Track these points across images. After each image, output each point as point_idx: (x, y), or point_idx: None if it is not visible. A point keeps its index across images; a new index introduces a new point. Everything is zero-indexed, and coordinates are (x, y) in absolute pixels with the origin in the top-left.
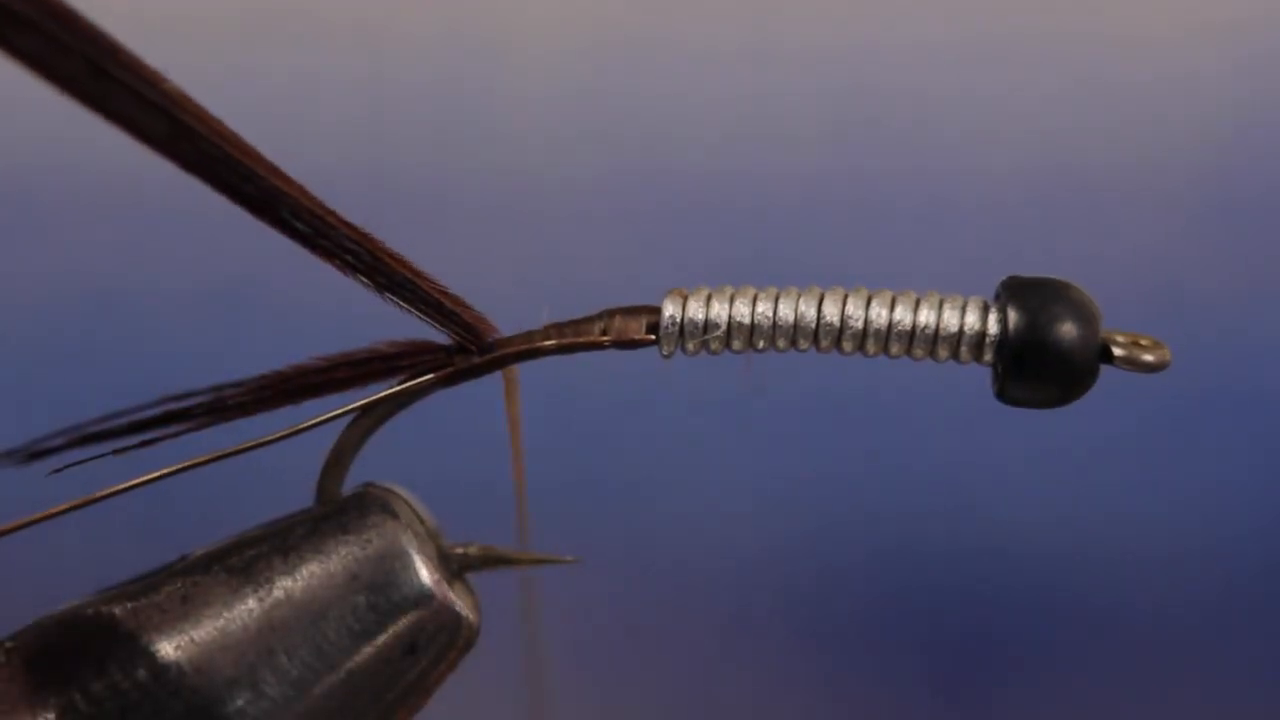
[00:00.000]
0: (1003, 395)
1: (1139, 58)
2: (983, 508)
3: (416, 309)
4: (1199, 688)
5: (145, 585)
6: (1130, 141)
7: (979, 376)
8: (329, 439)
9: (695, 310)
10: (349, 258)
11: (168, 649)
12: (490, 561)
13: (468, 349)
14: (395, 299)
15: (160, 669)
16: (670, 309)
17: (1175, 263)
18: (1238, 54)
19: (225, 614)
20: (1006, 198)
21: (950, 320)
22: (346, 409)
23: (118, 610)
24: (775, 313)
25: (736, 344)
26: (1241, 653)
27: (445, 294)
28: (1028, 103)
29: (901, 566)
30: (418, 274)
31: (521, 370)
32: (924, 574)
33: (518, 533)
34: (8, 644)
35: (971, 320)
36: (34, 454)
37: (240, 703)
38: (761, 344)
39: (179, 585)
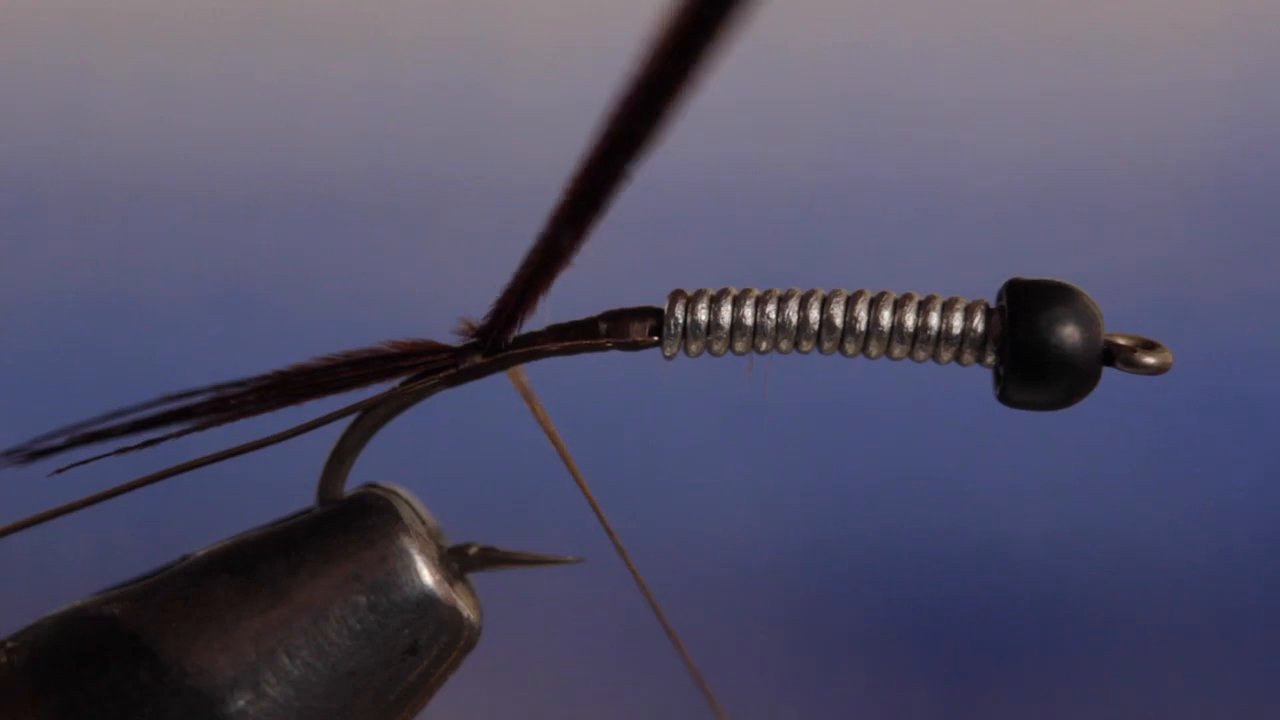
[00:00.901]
0: (1004, 397)
1: (1141, 61)
2: (985, 514)
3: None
4: (1199, 694)
5: (147, 585)
6: (1133, 145)
7: (982, 385)
8: (331, 439)
9: (698, 312)
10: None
11: (169, 649)
12: (491, 562)
13: (471, 350)
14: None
15: (161, 669)
16: (673, 311)
17: (1178, 268)
18: (1239, 57)
19: (227, 614)
20: (1010, 201)
21: (952, 322)
22: (349, 408)
23: (119, 610)
24: (778, 314)
25: (739, 345)
26: (1241, 659)
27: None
28: (1031, 106)
29: (903, 570)
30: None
31: (523, 369)
32: (925, 577)
33: (595, 526)
34: (9, 644)
35: (974, 322)
36: (35, 454)
37: (241, 703)
38: (764, 345)
39: (181, 585)
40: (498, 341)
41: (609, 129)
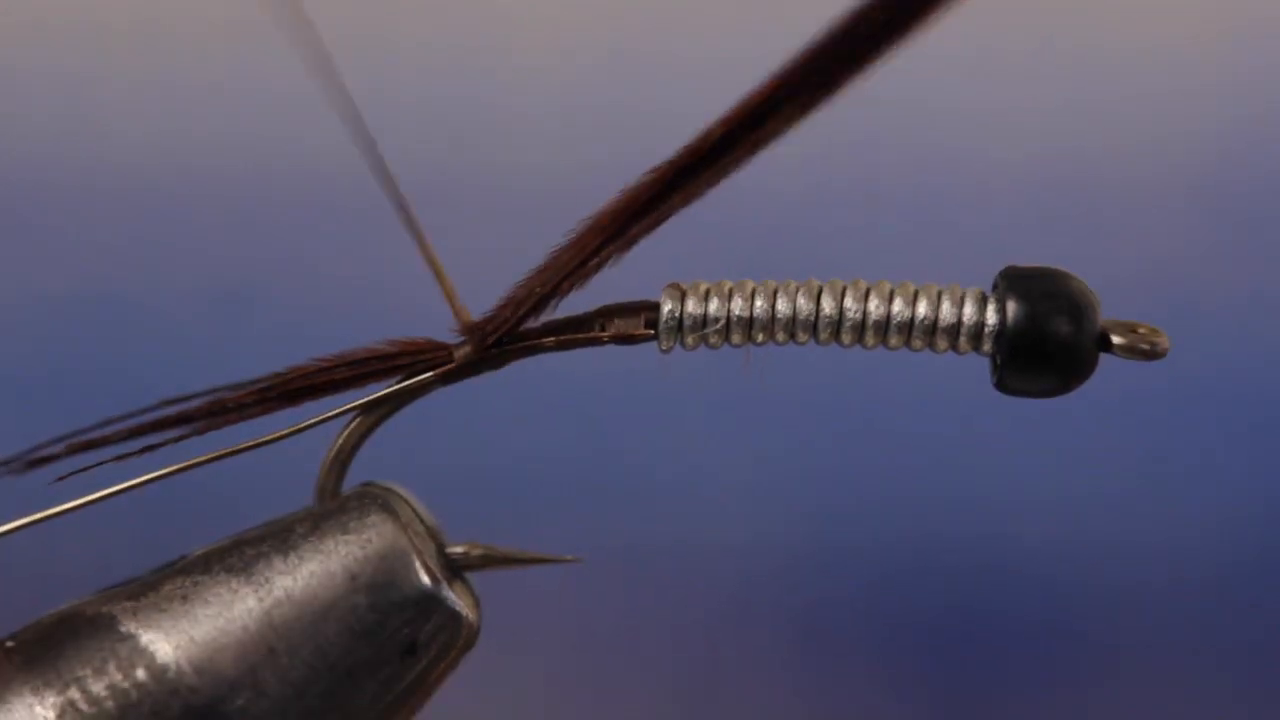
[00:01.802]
0: (1002, 385)
1: (1141, 63)
2: (987, 517)
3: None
4: (1202, 700)
5: (145, 585)
6: (1131, 140)
7: (985, 388)
8: (328, 439)
9: (694, 305)
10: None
11: (167, 649)
12: (490, 561)
13: (467, 346)
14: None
15: (160, 669)
16: (669, 304)
17: (1176, 262)
18: (1240, 61)
19: (225, 614)
20: (1006, 193)
21: (948, 311)
22: (346, 408)
23: (117, 610)
24: (773, 307)
25: (735, 338)
26: (1245, 667)
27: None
28: (1027, 100)
29: (904, 574)
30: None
31: (520, 367)
32: (926, 581)
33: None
34: (8, 643)
35: (970, 311)
36: (33, 461)
37: (240, 703)
38: (760, 337)
39: (179, 585)
40: (495, 338)
41: (699, 143)
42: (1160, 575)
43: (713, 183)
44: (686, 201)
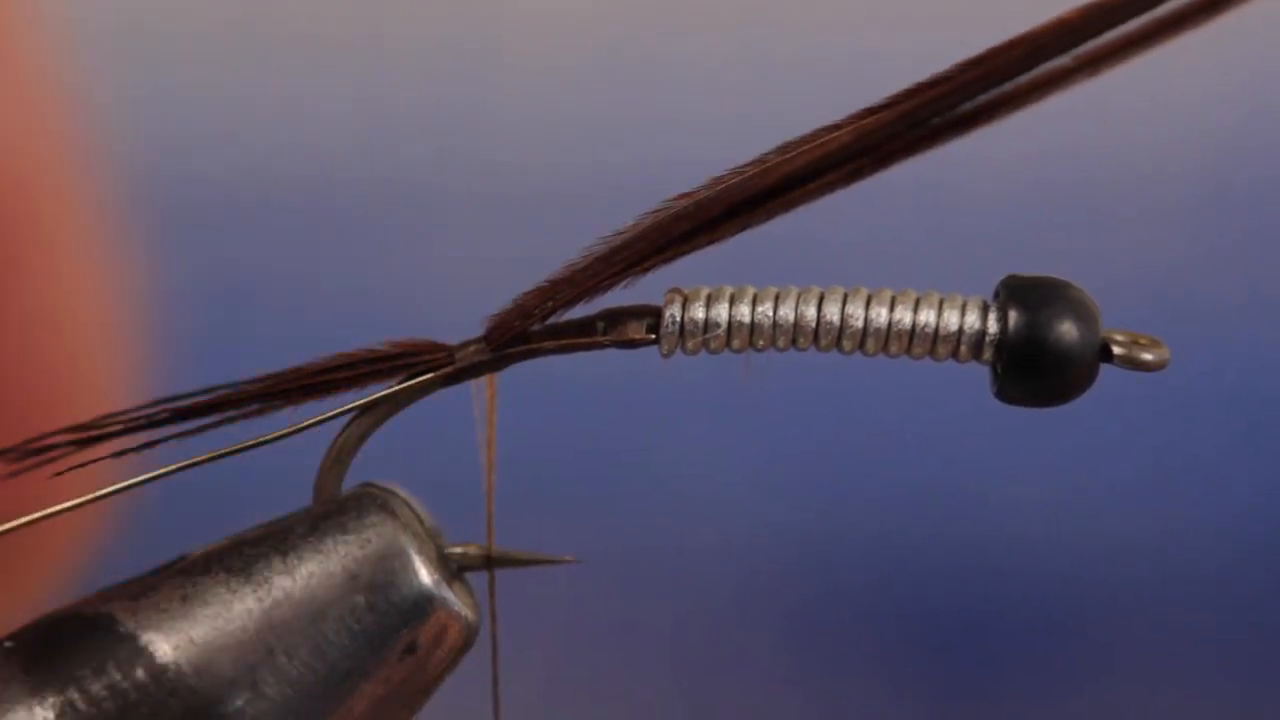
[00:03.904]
0: (1002, 395)
1: (1141, 64)
2: (988, 519)
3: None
4: (1202, 699)
5: (144, 585)
6: (1132, 145)
7: (984, 387)
8: (328, 438)
9: (695, 310)
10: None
11: (166, 649)
12: (489, 561)
13: (467, 348)
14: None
15: (159, 669)
16: (671, 309)
17: (1176, 264)
18: (1240, 62)
19: (224, 614)
20: (1008, 197)
21: (949, 319)
22: (346, 408)
23: (117, 610)
24: (775, 313)
25: (736, 344)
26: (1244, 666)
27: None
28: (1033, 108)
29: (905, 575)
30: None
31: (520, 368)
32: (927, 582)
33: (496, 530)
34: (7, 644)
35: (971, 319)
36: (32, 454)
37: (239, 703)
38: (761, 344)
39: (178, 585)
40: (500, 341)
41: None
42: (1159, 575)
43: (742, 229)
44: (712, 242)
